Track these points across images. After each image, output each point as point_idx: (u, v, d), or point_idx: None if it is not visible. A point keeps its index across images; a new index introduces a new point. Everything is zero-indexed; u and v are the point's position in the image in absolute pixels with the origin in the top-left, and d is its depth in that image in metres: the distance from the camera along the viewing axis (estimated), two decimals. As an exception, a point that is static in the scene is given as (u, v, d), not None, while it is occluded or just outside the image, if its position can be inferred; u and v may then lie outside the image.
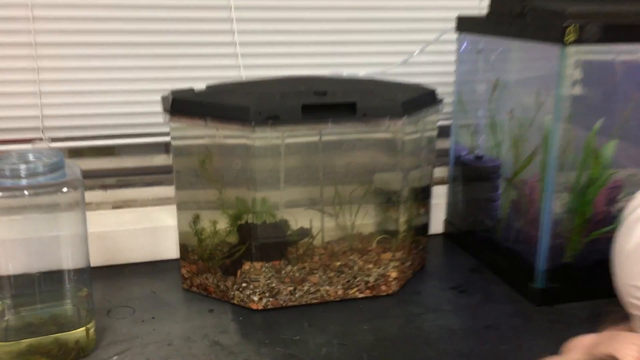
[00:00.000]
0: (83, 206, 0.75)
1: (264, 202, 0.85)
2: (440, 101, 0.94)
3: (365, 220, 0.91)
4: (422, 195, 0.98)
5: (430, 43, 1.13)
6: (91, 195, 1.12)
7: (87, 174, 1.12)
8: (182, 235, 0.92)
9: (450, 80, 1.10)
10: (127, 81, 1.09)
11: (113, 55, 1.05)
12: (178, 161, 0.89)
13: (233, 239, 0.88)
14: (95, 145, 1.12)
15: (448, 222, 1.13)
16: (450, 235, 1.13)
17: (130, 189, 1.15)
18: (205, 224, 0.89)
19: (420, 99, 0.90)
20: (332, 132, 0.83)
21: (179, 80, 1.09)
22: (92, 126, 1.09)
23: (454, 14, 1.05)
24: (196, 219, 0.90)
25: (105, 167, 1.18)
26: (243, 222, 0.86)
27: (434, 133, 0.97)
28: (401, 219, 0.90)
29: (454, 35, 1.07)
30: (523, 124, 0.94)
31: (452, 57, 1.08)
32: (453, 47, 1.07)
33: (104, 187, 1.14)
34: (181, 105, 0.84)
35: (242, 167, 0.81)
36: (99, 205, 1.12)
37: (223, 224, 0.87)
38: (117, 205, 1.12)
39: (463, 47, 1.06)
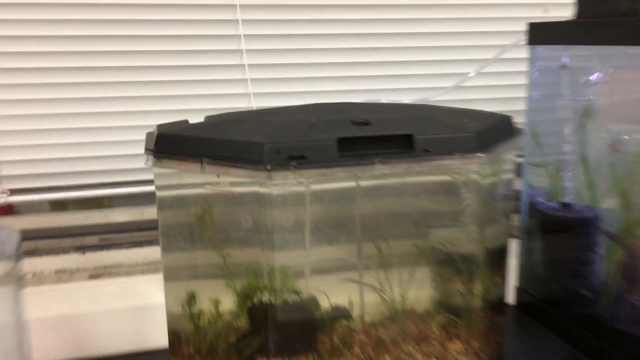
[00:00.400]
0: (18, 284, 0.57)
1: (285, 274, 0.65)
2: (519, 132, 0.73)
3: (421, 294, 0.71)
4: (498, 259, 0.75)
5: (489, 62, 0.92)
6: (64, 261, 0.96)
7: (63, 232, 0.99)
8: (171, 319, 0.72)
9: (518, 108, 0.88)
10: (108, 116, 0.92)
11: (89, 84, 0.89)
12: (166, 217, 0.70)
13: (242, 324, 0.68)
14: (62, 198, 0.96)
15: (521, 291, 0.89)
16: (525, 307, 0.89)
17: (114, 251, 0.98)
18: (203, 303, 0.69)
19: (496, 129, 0.69)
20: (376, 175, 0.63)
21: (173, 114, 0.92)
22: (63, 174, 0.93)
23: (517, 26, 0.84)
24: (191, 298, 0.70)
25: (85, 223, 1.02)
26: (255, 301, 0.66)
27: (511, 175, 0.75)
28: (473, 292, 0.70)
29: (520, 52, 0.85)
30: (636, 160, 0.69)
31: (519, 79, 0.88)
32: (520, 65, 0.89)
33: (82, 249, 0.98)
34: (169, 143, 0.65)
35: (253, 224, 0.64)
36: (73, 275, 0.94)
37: (228, 304, 0.68)
38: (96, 274, 0.94)
39: (538, 63, 0.84)
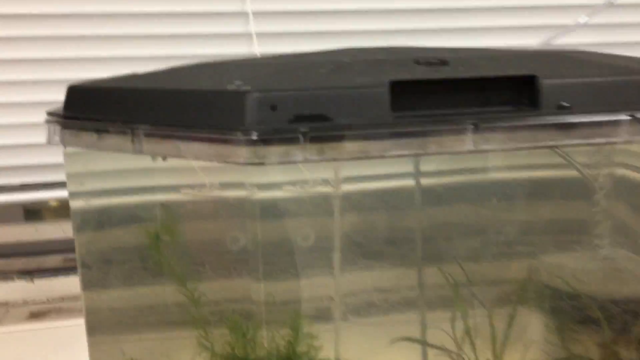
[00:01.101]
0: None
1: (295, 328, 0.45)
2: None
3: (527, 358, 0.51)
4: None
5: (597, 9, 0.71)
6: (6, 291, 0.77)
7: (20, 250, 0.83)
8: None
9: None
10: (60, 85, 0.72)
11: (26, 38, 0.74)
12: (88, 241, 0.48)
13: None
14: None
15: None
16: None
17: (70, 277, 0.79)
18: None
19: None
20: (465, 152, 0.36)
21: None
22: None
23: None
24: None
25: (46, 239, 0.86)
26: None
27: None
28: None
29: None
30: None
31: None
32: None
33: (30, 273, 0.80)
34: (84, 103, 0.41)
35: (244, 247, 0.43)
36: (8, 311, 0.74)
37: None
38: (41, 311, 0.74)
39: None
